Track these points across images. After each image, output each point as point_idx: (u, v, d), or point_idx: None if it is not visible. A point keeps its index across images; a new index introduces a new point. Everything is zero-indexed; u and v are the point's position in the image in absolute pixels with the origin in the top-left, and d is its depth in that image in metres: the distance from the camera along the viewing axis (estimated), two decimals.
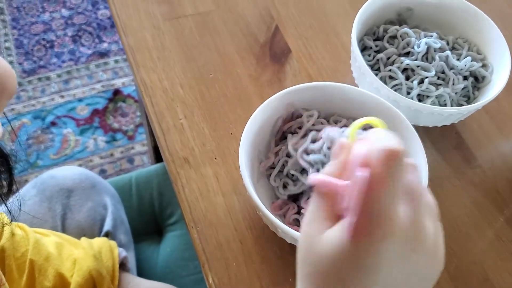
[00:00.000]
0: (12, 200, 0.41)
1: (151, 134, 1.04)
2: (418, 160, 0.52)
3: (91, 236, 0.72)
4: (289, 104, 0.57)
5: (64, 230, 0.72)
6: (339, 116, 0.59)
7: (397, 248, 0.30)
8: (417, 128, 0.55)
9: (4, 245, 0.58)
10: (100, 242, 0.69)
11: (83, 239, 0.69)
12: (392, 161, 0.29)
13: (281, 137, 0.59)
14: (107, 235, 0.74)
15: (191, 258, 0.82)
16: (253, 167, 0.55)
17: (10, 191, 0.38)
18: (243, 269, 0.54)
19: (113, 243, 0.70)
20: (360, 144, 0.32)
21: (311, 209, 0.34)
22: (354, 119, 0.58)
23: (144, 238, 0.86)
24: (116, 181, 0.87)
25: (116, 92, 1.60)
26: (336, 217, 0.33)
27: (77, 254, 0.64)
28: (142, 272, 0.80)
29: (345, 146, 0.34)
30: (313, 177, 0.34)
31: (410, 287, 0.32)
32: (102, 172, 1.45)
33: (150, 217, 0.88)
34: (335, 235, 0.31)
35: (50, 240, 0.64)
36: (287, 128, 0.58)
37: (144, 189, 0.88)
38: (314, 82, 0.58)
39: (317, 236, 0.32)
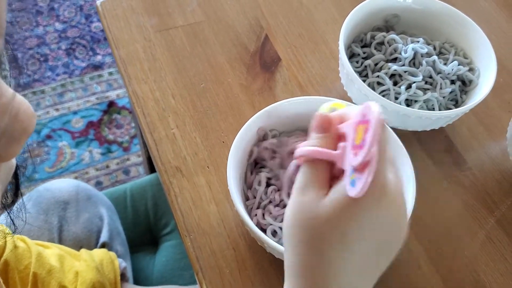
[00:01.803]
0: (16, 212, 0.41)
1: (145, 144, 1.04)
2: (404, 168, 0.53)
3: (88, 247, 0.73)
4: (260, 129, 0.56)
5: (61, 242, 0.72)
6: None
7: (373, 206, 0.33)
8: (406, 132, 0.55)
9: (8, 258, 0.58)
10: (100, 253, 0.69)
11: (83, 250, 0.69)
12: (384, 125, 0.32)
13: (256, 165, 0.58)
14: (103, 246, 0.74)
15: (186, 267, 0.82)
16: (241, 180, 0.55)
17: (14, 202, 0.39)
18: (237, 276, 0.54)
19: (113, 254, 0.71)
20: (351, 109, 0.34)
21: (302, 179, 0.35)
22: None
23: (139, 248, 0.86)
24: (111, 192, 0.88)
25: (111, 104, 1.61)
26: (328, 184, 0.35)
27: (79, 266, 0.65)
28: (139, 282, 0.80)
29: (327, 119, 0.36)
30: (302, 149, 0.35)
31: (377, 250, 0.34)
32: (98, 184, 1.45)
33: (145, 228, 0.88)
34: (337, 196, 0.33)
35: (52, 252, 0.64)
36: (258, 157, 0.57)
37: (139, 200, 0.88)
38: (292, 98, 0.57)
39: (316, 201, 0.33)
